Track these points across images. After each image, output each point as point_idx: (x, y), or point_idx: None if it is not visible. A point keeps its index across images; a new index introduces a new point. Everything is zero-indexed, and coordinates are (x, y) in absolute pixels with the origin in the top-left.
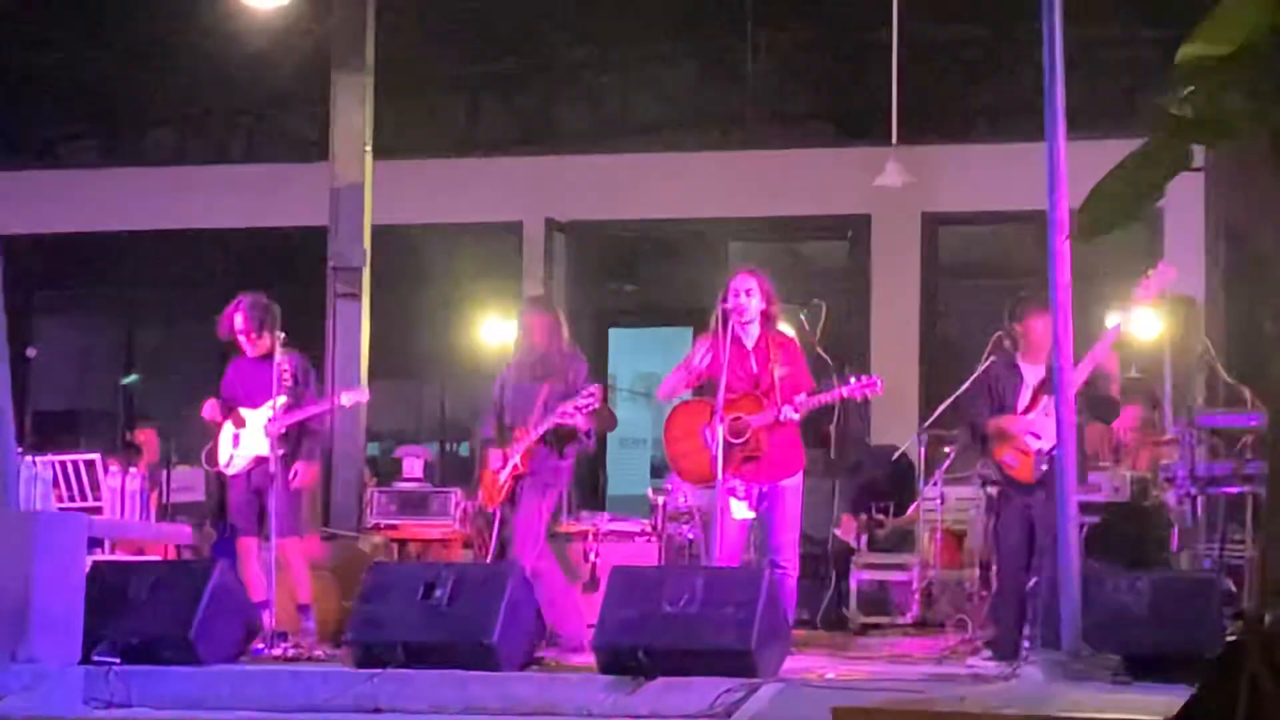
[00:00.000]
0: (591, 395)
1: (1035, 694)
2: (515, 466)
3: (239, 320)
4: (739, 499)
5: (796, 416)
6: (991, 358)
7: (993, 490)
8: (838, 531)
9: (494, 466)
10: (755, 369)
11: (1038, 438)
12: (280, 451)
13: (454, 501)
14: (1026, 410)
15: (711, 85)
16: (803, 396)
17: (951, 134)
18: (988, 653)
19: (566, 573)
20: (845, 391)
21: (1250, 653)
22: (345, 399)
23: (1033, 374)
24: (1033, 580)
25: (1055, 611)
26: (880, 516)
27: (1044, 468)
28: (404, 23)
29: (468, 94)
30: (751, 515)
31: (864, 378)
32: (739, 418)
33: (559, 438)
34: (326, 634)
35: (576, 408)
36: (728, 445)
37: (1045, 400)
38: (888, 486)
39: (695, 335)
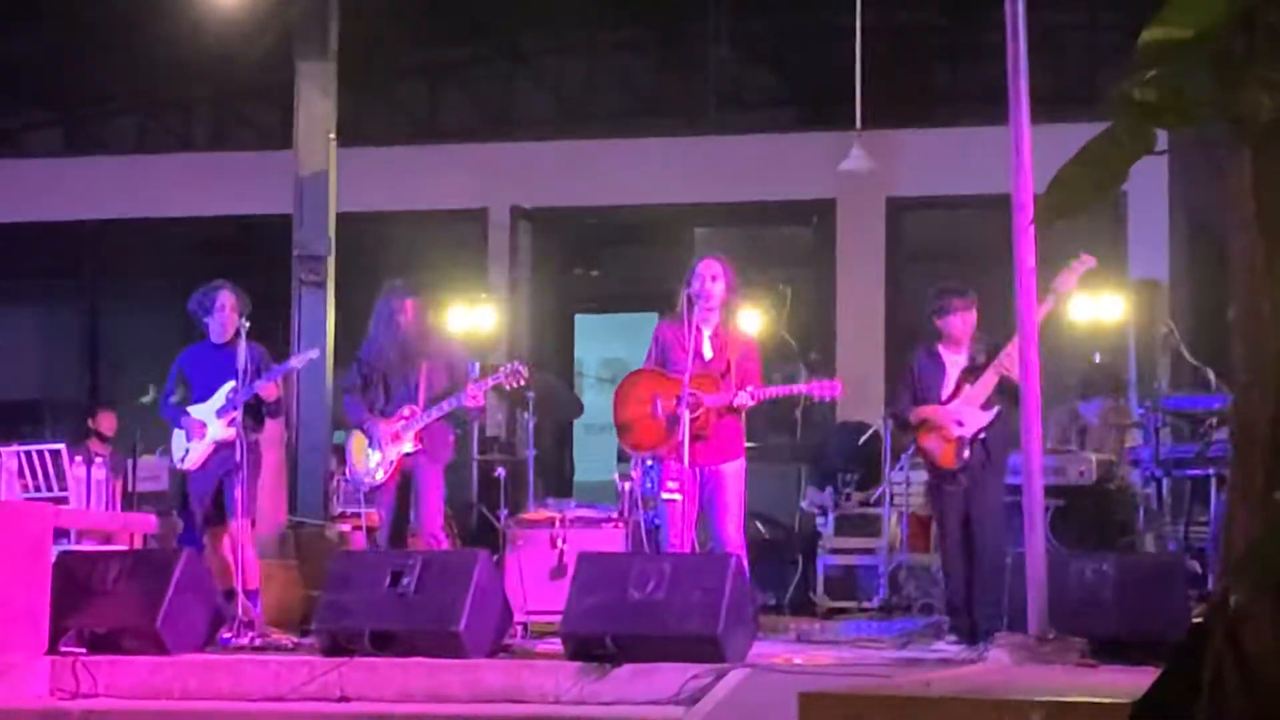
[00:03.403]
0: (515, 371)
1: (1002, 676)
2: (410, 444)
3: (229, 299)
4: (672, 479)
5: (751, 403)
6: (914, 346)
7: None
8: (804, 504)
9: (377, 445)
10: (710, 354)
11: (961, 424)
12: (241, 436)
13: None
14: (950, 398)
15: (675, 71)
16: (759, 390)
17: (916, 119)
18: (953, 637)
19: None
20: (804, 389)
21: (1215, 635)
22: (296, 360)
23: (954, 362)
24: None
25: (1021, 594)
26: (847, 490)
27: (966, 454)
28: (367, 10)
29: (431, 81)
30: (679, 498)
31: (826, 380)
32: (693, 394)
33: (453, 414)
34: (293, 623)
35: (496, 384)
36: (673, 420)
37: (968, 388)
38: (853, 460)
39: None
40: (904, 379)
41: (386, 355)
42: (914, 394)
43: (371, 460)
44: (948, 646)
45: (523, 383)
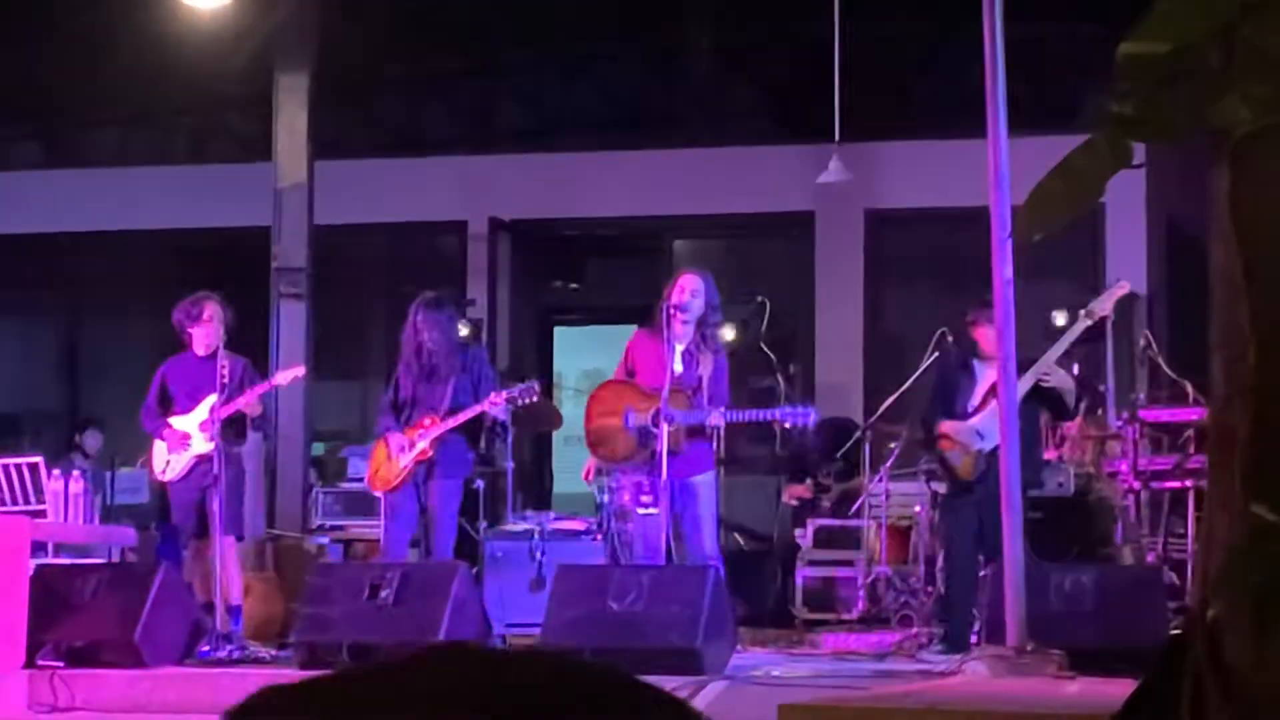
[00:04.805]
0: (530, 389)
1: (980, 689)
2: (423, 452)
3: (215, 311)
4: (645, 493)
5: (721, 424)
6: (936, 353)
7: (938, 487)
8: (784, 498)
9: (395, 452)
10: (681, 369)
11: (982, 437)
12: (222, 448)
13: None
14: (977, 410)
15: (653, 83)
16: (731, 413)
17: (894, 131)
18: (939, 647)
19: None
20: (777, 415)
21: (1193, 646)
22: (281, 378)
23: (986, 375)
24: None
25: (1000, 606)
26: (826, 481)
27: (983, 466)
28: (346, 23)
29: (410, 94)
30: (655, 511)
31: (799, 407)
32: (667, 410)
33: (474, 429)
34: (272, 635)
35: (510, 398)
36: (645, 434)
37: (995, 403)
38: (831, 452)
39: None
40: (935, 389)
41: (417, 368)
42: (942, 403)
43: (385, 470)
44: (927, 658)
45: (535, 399)
